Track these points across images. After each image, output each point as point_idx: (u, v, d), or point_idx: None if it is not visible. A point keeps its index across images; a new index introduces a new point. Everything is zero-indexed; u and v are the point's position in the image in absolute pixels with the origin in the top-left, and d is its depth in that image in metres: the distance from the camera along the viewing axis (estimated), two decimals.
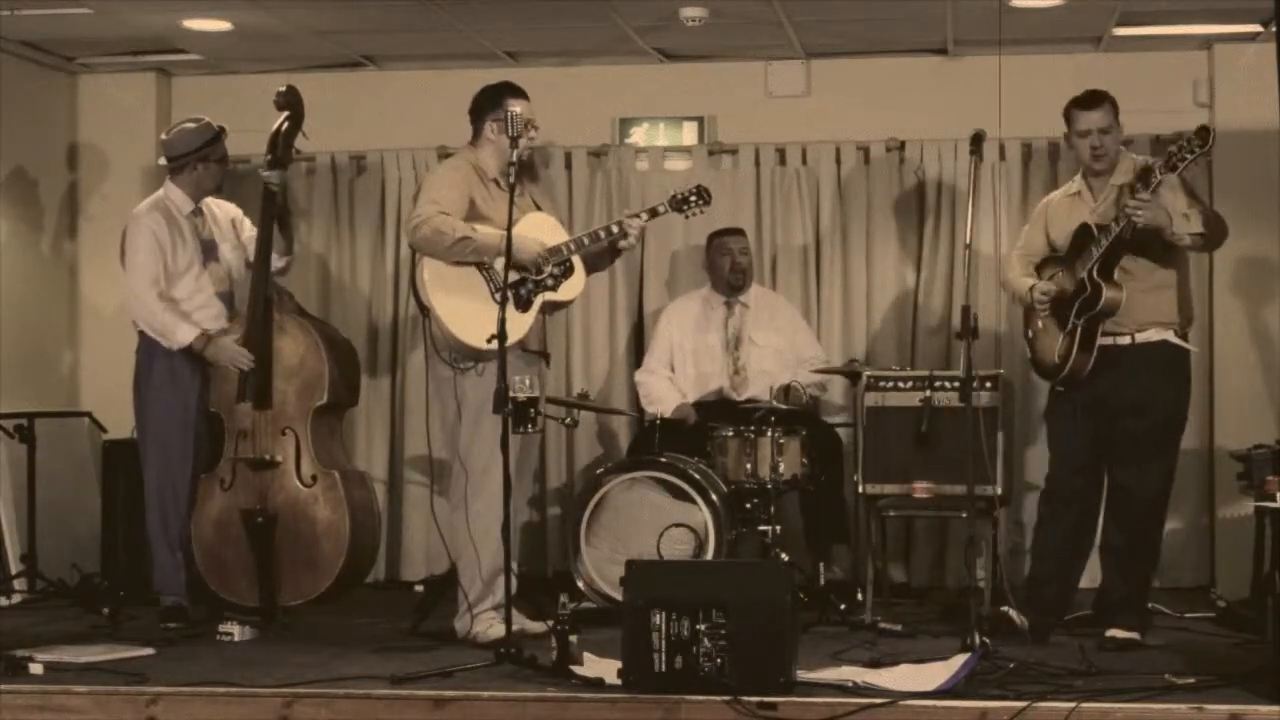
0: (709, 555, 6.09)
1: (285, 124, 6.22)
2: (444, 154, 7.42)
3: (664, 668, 4.69)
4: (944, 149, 7.59)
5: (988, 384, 6.16)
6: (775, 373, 6.89)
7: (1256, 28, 7.19)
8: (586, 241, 5.87)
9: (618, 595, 5.20)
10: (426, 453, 5.99)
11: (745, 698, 4.55)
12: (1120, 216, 5.54)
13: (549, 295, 5.81)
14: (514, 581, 5.44)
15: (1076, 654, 5.26)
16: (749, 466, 6.33)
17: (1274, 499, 5.68)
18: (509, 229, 5.46)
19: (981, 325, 6.13)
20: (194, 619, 6.15)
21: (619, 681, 4.74)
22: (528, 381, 5.34)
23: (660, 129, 7.93)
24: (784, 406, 6.45)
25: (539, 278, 5.77)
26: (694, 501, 6.19)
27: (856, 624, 6.07)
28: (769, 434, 6.32)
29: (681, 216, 6.21)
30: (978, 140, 5.56)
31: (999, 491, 6.08)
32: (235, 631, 5.84)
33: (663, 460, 6.31)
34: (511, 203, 5.45)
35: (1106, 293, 5.60)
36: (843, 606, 6.24)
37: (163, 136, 6.47)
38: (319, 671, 5.07)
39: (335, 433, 6.39)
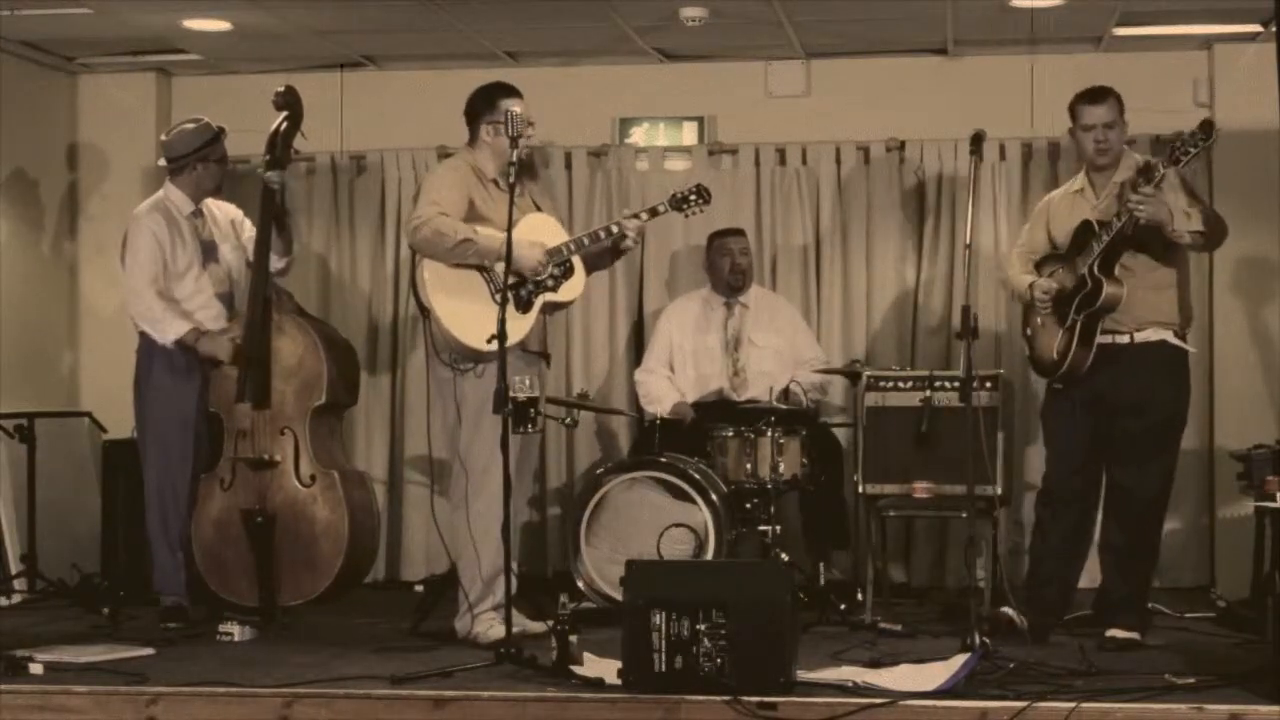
0: (709, 555, 6.09)
1: (284, 124, 6.22)
2: (444, 154, 7.42)
3: (664, 668, 4.68)
4: (944, 149, 7.59)
5: (988, 384, 6.16)
6: (775, 374, 6.89)
7: (1256, 28, 7.19)
8: (586, 242, 5.86)
9: (618, 595, 5.20)
10: (426, 453, 5.98)
11: (745, 698, 4.55)
12: (1122, 211, 5.53)
13: (549, 296, 5.81)
14: (514, 581, 5.44)
15: (1076, 654, 5.25)
16: (749, 466, 6.33)
17: (1274, 499, 5.69)
18: (509, 229, 5.46)
19: (981, 325, 6.13)
20: (194, 619, 6.15)
21: (619, 681, 4.74)
22: (528, 381, 5.34)
23: (660, 129, 7.93)
24: (784, 407, 6.45)
25: (539, 279, 5.77)
26: (694, 501, 6.19)
27: (856, 624, 6.07)
28: (769, 434, 6.32)
29: (681, 216, 6.21)
30: (978, 140, 5.55)
31: (999, 491, 6.08)
32: (235, 631, 5.84)
33: (663, 460, 6.31)
34: (511, 203, 5.45)
35: (1107, 288, 5.59)
36: (843, 606, 6.23)
37: (162, 137, 6.47)
38: (319, 671, 5.07)
39: (335, 433, 6.39)
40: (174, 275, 6.26)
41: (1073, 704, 4.46)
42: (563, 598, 5.11)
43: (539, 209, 5.95)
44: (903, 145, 7.64)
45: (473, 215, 5.72)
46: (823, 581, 6.55)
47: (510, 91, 5.84)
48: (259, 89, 6.54)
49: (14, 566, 7.10)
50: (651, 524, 6.18)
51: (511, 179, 5.44)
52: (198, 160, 6.30)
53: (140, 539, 6.50)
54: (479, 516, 5.59)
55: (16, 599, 6.99)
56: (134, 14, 7.02)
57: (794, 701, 4.57)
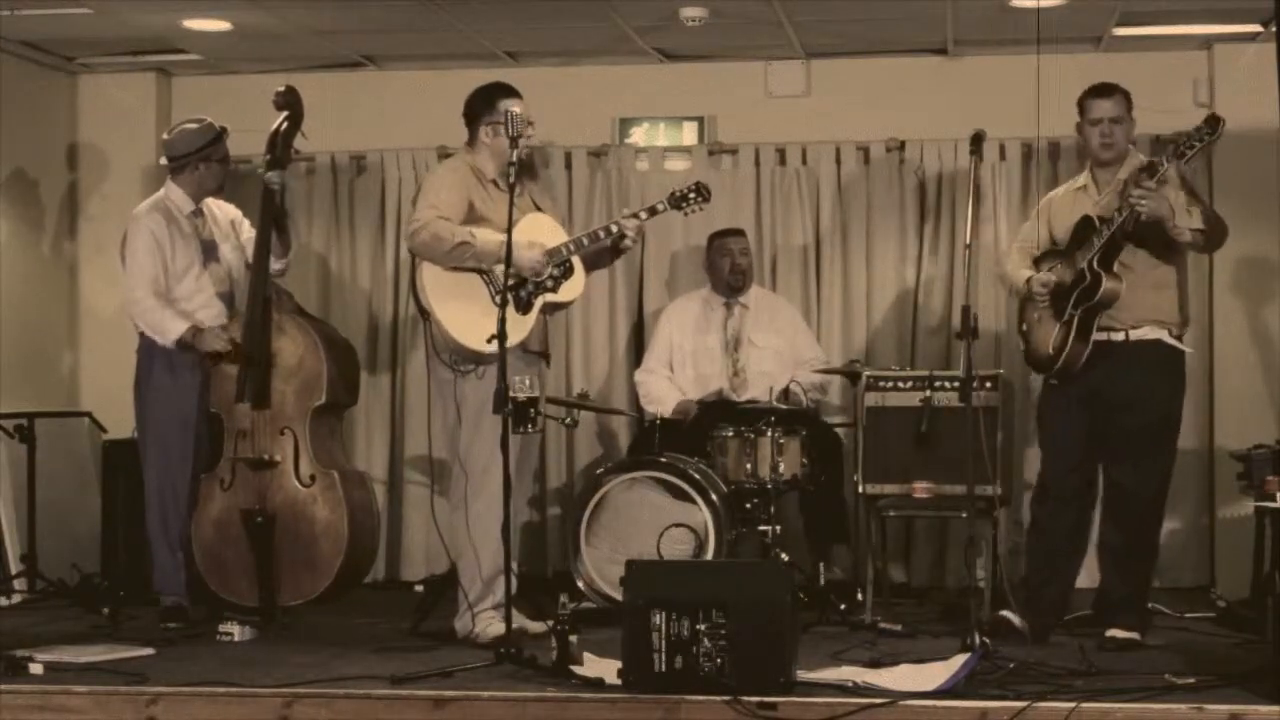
0: (709, 555, 6.09)
1: (284, 124, 6.22)
2: (444, 154, 7.42)
3: (664, 668, 4.68)
4: (944, 149, 7.59)
5: (988, 384, 6.16)
6: (775, 374, 6.89)
7: (1256, 28, 7.19)
8: (586, 242, 5.86)
9: (618, 595, 5.20)
10: (426, 453, 5.99)
11: (745, 698, 4.55)
12: (1124, 206, 5.54)
13: (549, 297, 5.81)
14: (514, 581, 5.44)
15: (1076, 654, 5.25)
16: (749, 466, 6.33)
17: (1274, 499, 5.68)
18: (509, 230, 5.46)
19: (981, 325, 6.13)
20: (194, 619, 6.15)
21: (619, 681, 4.74)
22: (528, 381, 5.34)
23: (660, 129, 7.93)
24: (784, 407, 6.45)
25: (539, 279, 5.77)
26: (694, 501, 6.19)
27: (856, 624, 6.07)
28: (769, 434, 6.32)
29: (681, 216, 6.20)
30: (978, 140, 5.56)
31: (999, 491, 6.08)
32: (235, 631, 5.84)
33: (663, 460, 6.31)
34: (512, 203, 5.45)
35: (1106, 283, 5.59)
36: (843, 606, 6.23)
37: (164, 136, 6.47)
38: (319, 671, 5.07)
39: (335, 433, 6.39)
40: (174, 275, 6.26)
41: (1073, 704, 4.46)
42: (563, 598, 5.11)
43: (539, 209, 5.94)
44: (903, 145, 7.64)
45: (472, 216, 5.72)
46: (823, 581, 6.55)
47: (509, 92, 5.83)
48: (259, 89, 6.54)
49: (14, 566, 7.10)
50: (651, 524, 6.18)
51: (511, 179, 5.44)
52: (199, 160, 6.30)
53: (140, 539, 6.50)
54: (479, 517, 5.59)
55: (16, 599, 6.99)
56: (134, 14, 7.02)
57: (794, 701, 4.57)
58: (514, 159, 5.44)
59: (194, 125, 6.35)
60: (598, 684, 4.77)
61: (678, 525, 6.16)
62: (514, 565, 5.48)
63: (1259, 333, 7.33)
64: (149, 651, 5.51)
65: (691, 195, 6.05)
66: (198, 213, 6.36)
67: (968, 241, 5.38)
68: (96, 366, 7.83)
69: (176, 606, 6.20)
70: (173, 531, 6.21)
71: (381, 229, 7.92)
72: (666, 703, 4.59)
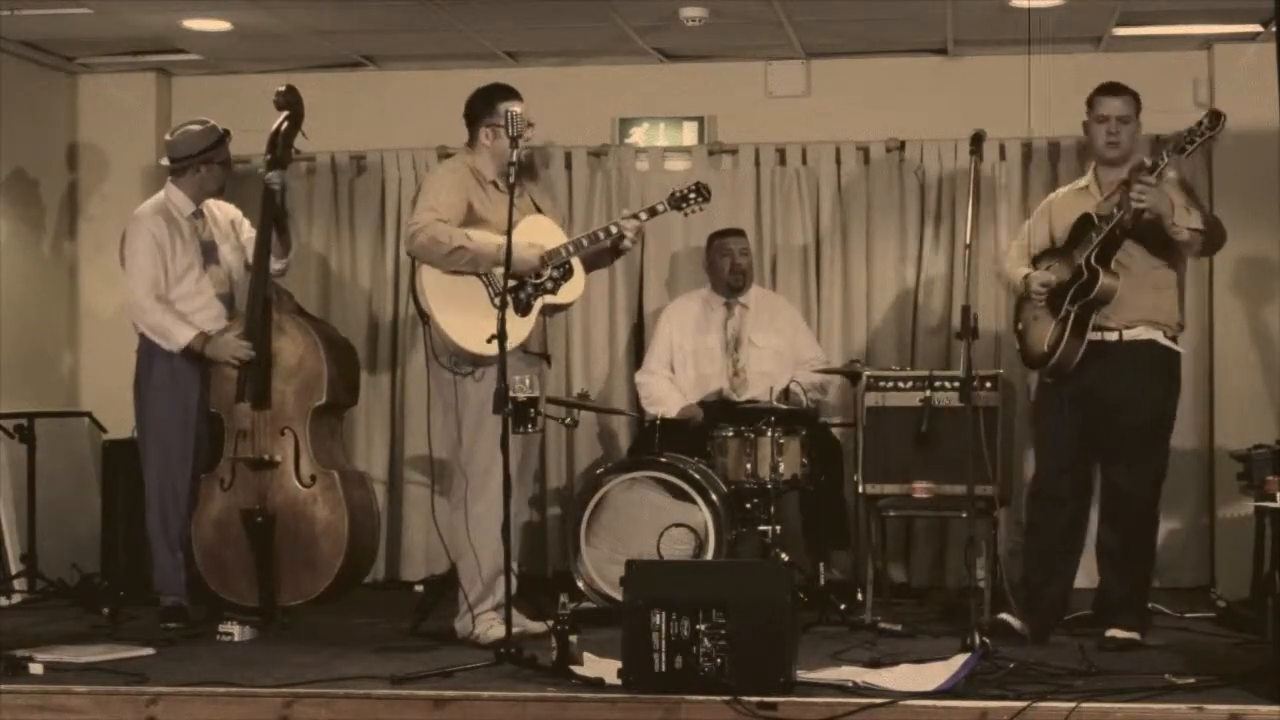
0: (709, 555, 6.09)
1: (285, 124, 6.22)
2: (444, 154, 7.42)
3: (664, 668, 4.68)
4: (944, 149, 7.59)
5: (988, 384, 6.16)
6: (775, 374, 6.89)
7: (1256, 28, 7.19)
8: (585, 243, 5.85)
9: (618, 595, 5.20)
10: (427, 453, 5.98)
11: (745, 698, 4.55)
12: (1124, 201, 5.54)
13: (549, 298, 5.80)
14: (514, 581, 5.43)
15: (1076, 654, 5.25)
16: (749, 466, 6.33)
17: (1274, 499, 5.68)
18: (509, 231, 5.46)
19: (981, 325, 6.13)
20: (194, 619, 6.15)
21: (619, 681, 4.74)
22: (528, 381, 5.33)
23: (660, 129, 7.93)
24: (784, 407, 6.45)
25: (538, 281, 5.77)
26: (694, 501, 6.19)
27: (856, 624, 6.07)
28: (769, 434, 6.32)
29: (681, 216, 6.20)
30: (978, 140, 5.55)
31: (999, 491, 6.08)
32: (235, 631, 5.84)
33: (663, 460, 6.31)
34: (511, 204, 5.45)
35: (1103, 279, 5.58)
36: (843, 606, 6.24)
37: (167, 137, 6.46)
38: (319, 671, 5.07)
39: (335, 433, 6.39)
40: (174, 277, 6.26)
41: (1073, 704, 4.46)
42: (563, 598, 5.11)
43: (539, 210, 5.94)
44: (903, 145, 7.64)
45: (471, 218, 5.72)
46: (823, 581, 6.55)
47: (509, 93, 5.83)
48: (259, 89, 6.55)
49: (14, 566, 7.10)
50: (651, 524, 6.18)
51: (511, 179, 5.43)
52: (202, 162, 6.30)
53: (140, 539, 6.50)
54: (480, 518, 5.59)
55: (16, 599, 6.99)
56: (134, 14, 7.02)
57: (794, 701, 4.57)
58: (514, 159, 5.44)
59: (197, 127, 6.34)
60: (598, 684, 4.77)
61: (678, 525, 6.16)
62: (514, 565, 5.48)
63: (1259, 333, 7.33)
64: (149, 651, 5.51)
65: (691, 195, 6.04)
66: (198, 214, 6.36)
67: (968, 241, 5.38)
68: (96, 366, 7.83)
69: (176, 606, 6.20)
70: (173, 531, 6.21)
71: (381, 229, 7.92)
72: (666, 703, 4.59)
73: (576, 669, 4.90)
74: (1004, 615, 5.69)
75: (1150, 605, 5.96)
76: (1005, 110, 7.06)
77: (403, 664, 5.13)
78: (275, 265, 6.27)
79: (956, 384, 6.12)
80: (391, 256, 7.86)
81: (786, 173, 7.73)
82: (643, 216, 5.97)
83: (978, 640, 5.04)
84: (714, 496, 6.17)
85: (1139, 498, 5.71)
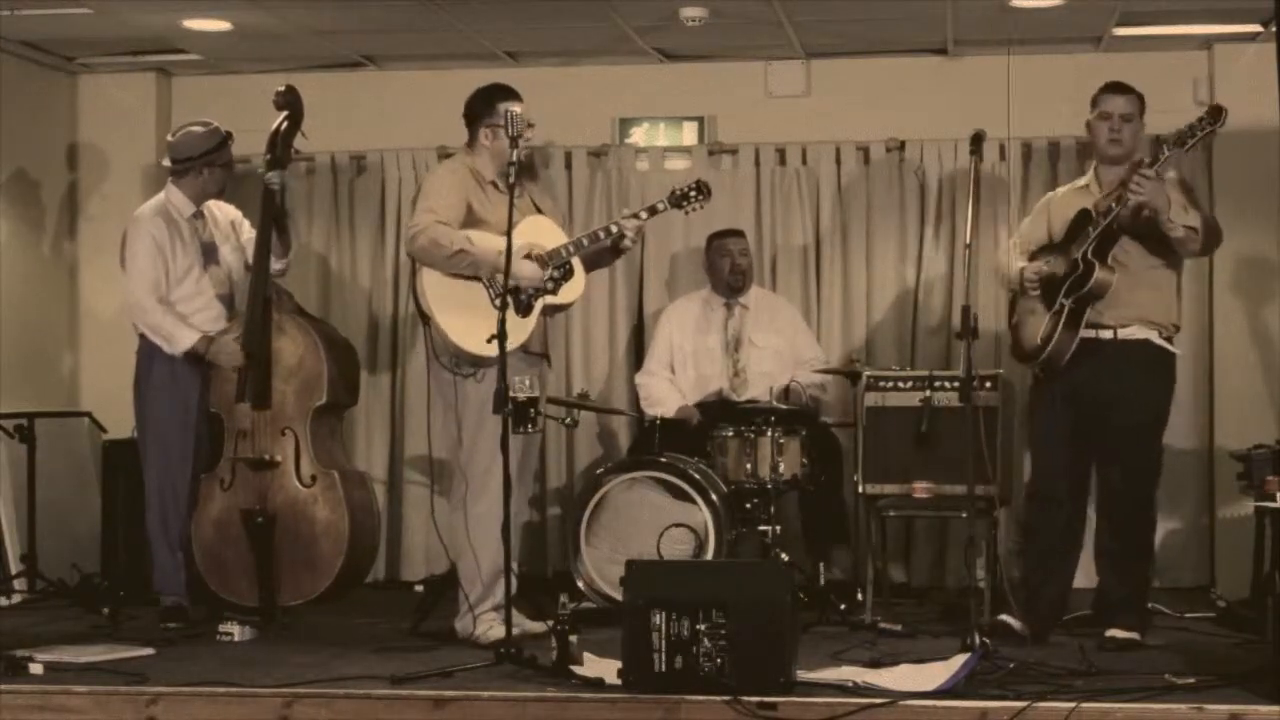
0: (709, 555, 6.09)
1: (284, 124, 6.21)
2: (444, 154, 7.42)
3: (664, 668, 4.68)
4: (944, 149, 7.59)
5: (988, 384, 6.16)
6: (775, 374, 6.89)
7: (1256, 28, 7.19)
8: (585, 243, 5.85)
9: (618, 595, 5.20)
10: (426, 453, 5.98)
11: (745, 698, 4.55)
12: (1123, 196, 5.53)
13: (549, 299, 5.80)
14: (514, 582, 5.43)
15: (1076, 654, 5.25)
16: (749, 466, 6.33)
17: (1274, 499, 5.68)
18: (509, 231, 5.46)
19: (981, 325, 6.10)
20: (194, 619, 6.15)
21: (619, 681, 4.74)
22: (528, 381, 5.34)
23: (660, 129, 7.93)
24: (784, 407, 6.45)
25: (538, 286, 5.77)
26: (694, 501, 6.19)
27: (856, 624, 6.07)
28: (769, 434, 6.32)
29: (682, 216, 6.20)
30: (978, 140, 5.56)
31: (999, 491, 6.08)
32: (235, 631, 5.84)
33: (663, 460, 6.31)
34: (511, 204, 5.44)
35: (1098, 273, 5.58)
36: (843, 606, 6.23)
37: (169, 138, 6.45)
38: (319, 671, 5.07)
39: (335, 433, 6.39)
40: (174, 278, 6.26)
41: (1073, 704, 4.46)
42: (563, 598, 5.11)
43: (539, 210, 5.93)
44: (903, 145, 7.64)
45: (471, 219, 5.71)
46: (823, 581, 6.55)
47: (509, 94, 5.82)
48: (259, 89, 6.54)
49: (14, 566, 7.10)
50: (651, 524, 6.18)
51: (511, 179, 5.43)
52: (204, 164, 6.30)
53: (140, 539, 6.50)
54: (480, 518, 5.59)
55: (16, 599, 6.99)
56: (134, 14, 7.02)
57: (794, 701, 4.57)
58: (514, 159, 5.43)
59: (199, 129, 6.33)
60: (598, 684, 4.77)
61: (678, 525, 6.16)
62: (514, 565, 5.48)
63: (1259, 333, 7.33)
64: (149, 651, 5.51)
65: (692, 194, 6.04)
66: (198, 215, 6.36)
67: (968, 241, 5.38)
68: (96, 366, 7.83)
69: (176, 606, 6.20)
70: (173, 531, 6.21)
71: (381, 229, 7.92)
72: (666, 703, 4.59)
73: (576, 669, 4.90)
74: (1004, 616, 5.69)
75: (1150, 605, 5.96)
76: (1005, 110, 7.05)
77: (403, 664, 5.13)
78: (275, 265, 6.27)
79: (956, 384, 6.11)
80: (391, 257, 7.86)
81: (786, 173, 7.73)
82: (643, 215, 5.96)
83: (978, 640, 5.04)
84: (714, 496, 6.17)
85: (1134, 497, 5.71)
